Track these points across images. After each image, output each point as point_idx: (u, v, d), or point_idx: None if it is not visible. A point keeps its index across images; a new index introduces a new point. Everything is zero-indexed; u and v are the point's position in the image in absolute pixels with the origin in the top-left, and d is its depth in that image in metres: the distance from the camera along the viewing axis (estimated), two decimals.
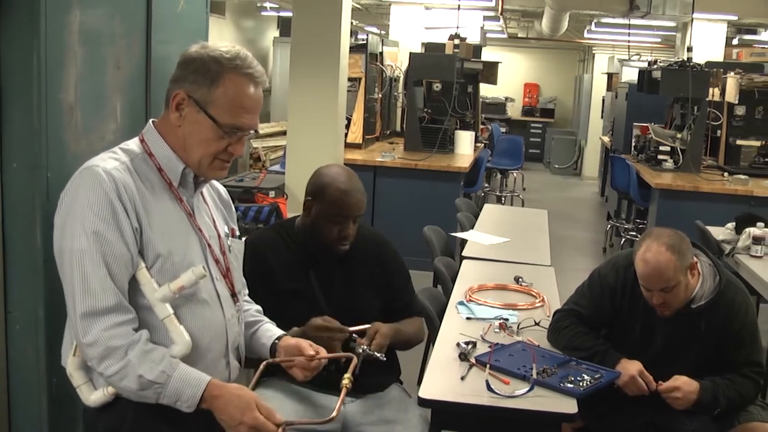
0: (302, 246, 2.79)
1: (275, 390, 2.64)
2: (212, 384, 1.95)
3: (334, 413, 2.07)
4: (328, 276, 2.79)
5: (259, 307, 2.43)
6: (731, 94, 8.00)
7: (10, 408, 2.32)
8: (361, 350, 2.54)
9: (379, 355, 2.58)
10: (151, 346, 1.92)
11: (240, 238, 2.30)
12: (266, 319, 2.39)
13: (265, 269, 2.71)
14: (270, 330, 2.34)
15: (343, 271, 2.81)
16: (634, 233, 8.72)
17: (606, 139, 12.37)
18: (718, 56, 10.33)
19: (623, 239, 8.86)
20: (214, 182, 2.25)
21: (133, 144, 2.03)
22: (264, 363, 2.23)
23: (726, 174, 7.67)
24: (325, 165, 2.85)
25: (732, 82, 8.00)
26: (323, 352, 2.27)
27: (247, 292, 2.39)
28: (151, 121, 2.08)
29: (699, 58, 8.60)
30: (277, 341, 2.29)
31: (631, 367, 2.85)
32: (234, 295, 2.17)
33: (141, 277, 1.93)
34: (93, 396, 1.98)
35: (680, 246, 2.81)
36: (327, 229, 2.72)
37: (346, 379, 2.21)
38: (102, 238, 1.86)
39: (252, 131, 2.04)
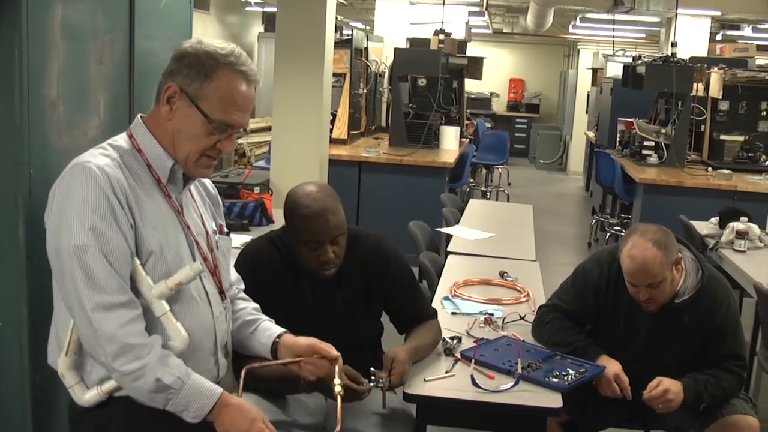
0: (300, 263, 2.68)
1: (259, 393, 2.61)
2: (223, 395, 1.97)
3: (337, 428, 2.10)
4: (326, 297, 2.71)
5: (256, 305, 2.39)
6: (715, 90, 8.03)
7: None
8: (381, 384, 2.47)
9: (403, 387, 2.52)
10: (167, 352, 1.92)
11: (228, 234, 2.28)
12: (264, 316, 2.36)
13: (261, 288, 2.59)
14: (270, 328, 2.30)
15: (341, 292, 2.73)
16: (618, 228, 8.76)
17: (591, 134, 12.40)
18: (702, 52, 10.37)
19: (608, 234, 8.89)
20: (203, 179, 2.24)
21: (122, 140, 2.01)
22: (275, 362, 2.24)
23: (710, 169, 7.71)
24: (298, 184, 2.68)
25: (716, 77, 8.03)
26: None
27: (243, 287, 2.37)
28: (139, 116, 2.06)
29: (683, 53, 8.63)
30: (277, 339, 2.26)
31: (609, 369, 2.86)
32: (222, 293, 2.16)
33: (137, 275, 1.92)
34: (87, 395, 1.96)
35: (666, 242, 2.83)
36: (304, 255, 2.62)
37: (338, 386, 2.21)
38: (101, 234, 1.84)
39: (242, 129, 2.03)
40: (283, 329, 2.31)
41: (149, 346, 1.87)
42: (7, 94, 2.17)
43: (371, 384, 2.46)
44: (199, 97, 1.94)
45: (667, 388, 2.82)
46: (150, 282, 1.92)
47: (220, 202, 2.32)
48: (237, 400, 2.00)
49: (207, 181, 2.27)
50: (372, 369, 2.50)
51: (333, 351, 2.22)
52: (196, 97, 1.94)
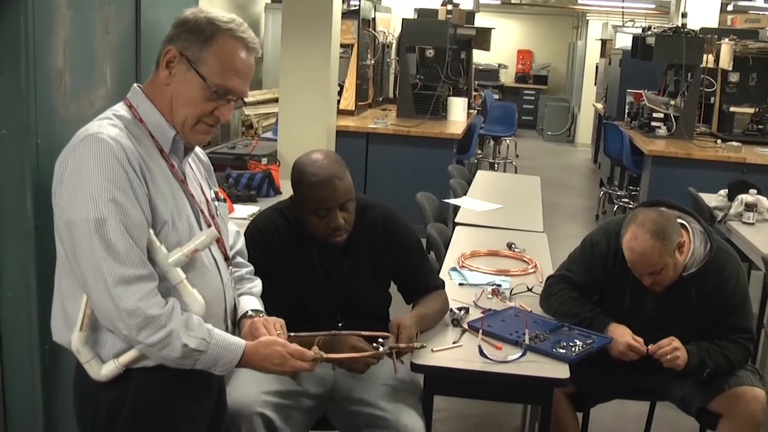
0: (309, 233, 2.68)
1: None
2: (247, 348, 2.00)
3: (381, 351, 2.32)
4: (334, 266, 2.72)
5: (250, 268, 2.38)
6: (725, 61, 7.98)
7: (3, 375, 2.32)
8: (388, 348, 2.46)
9: (416, 345, 2.52)
10: (187, 314, 1.92)
11: (224, 201, 2.28)
12: (252, 285, 2.33)
13: (270, 259, 2.62)
14: (241, 303, 2.26)
15: (349, 260, 2.73)
16: (626, 200, 8.73)
17: (599, 105, 12.34)
18: (713, 22, 10.28)
19: (616, 206, 8.87)
20: None
21: (122, 109, 1.98)
22: None
23: (719, 141, 7.68)
24: (304, 153, 2.68)
25: (726, 48, 7.98)
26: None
27: (238, 248, 2.37)
28: (136, 85, 2.03)
29: (693, 24, 8.56)
30: (243, 318, 2.22)
31: (620, 337, 2.87)
32: (227, 259, 2.16)
33: (151, 244, 1.91)
34: (104, 370, 1.94)
35: (665, 230, 2.81)
36: (314, 223, 2.62)
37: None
38: (120, 206, 1.82)
39: (241, 99, 2.01)
40: (252, 308, 2.25)
41: (169, 313, 1.87)
42: (13, 64, 2.16)
43: (380, 350, 2.46)
44: (199, 61, 1.93)
45: (678, 346, 2.84)
46: (164, 251, 1.92)
47: (212, 169, 2.31)
48: (261, 348, 2.03)
49: (197, 148, 2.25)
50: (380, 339, 2.50)
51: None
52: (195, 61, 1.93)
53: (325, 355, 2.13)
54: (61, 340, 2.00)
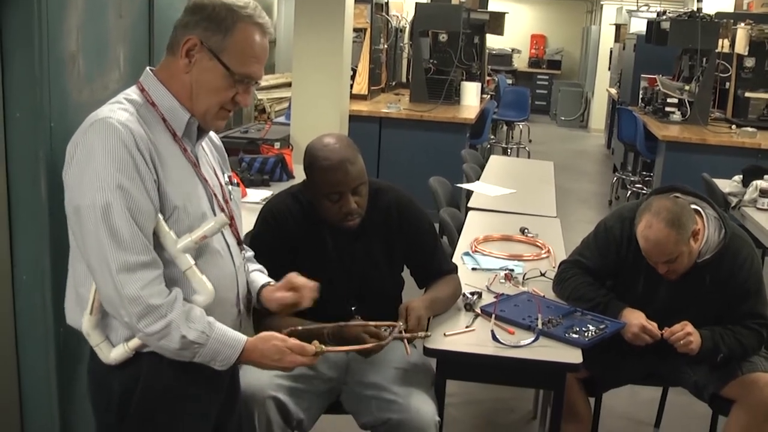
0: (321, 217, 2.68)
1: None
2: (247, 344, 1.99)
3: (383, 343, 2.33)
4: (347, 251, 2.72)
5: (251, 253, 2.39)
6: (741, 46, 7.91)
7: (18, 357, 2.34)
8: (398, 332, 2.46)
9: (420, 334, 2.50)
10: (189, 306, 1.92)
11: (237, 185, 2.28)
12: (256, 266, 2.35)
13: (283, 243, 2.63)
14: (254, 281, 2.29)
15: (362, 244, 2.73)
16: (640, 186, 8.70)
17: (613, 91, 12.28)
18: (729, 7, 10.20)
19: (629, 192, 8.84)
20: None
21: (134, 93, 1.98)
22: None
23: (734, 126, 7.63)
24: (317, 137, 2.67)
25: (742, 33, 7.91)
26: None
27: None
28: (148, 68, 2.03)
29: (709, 8, 8.49)
30: (260, 290, 2.26)
31: (634, 320, 2.86)
32: (240, 243, 2.16)
33: (160, 230, 1.91)
34: (113, 353, 1.96)
35: (680, 219, 2.79)
36: (327, 208, 2.61)
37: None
38: (126, 192, 1.82)
39: (257, 81, 2.03)
40: (268, 280, 2.30)
41: (171, 304, 1.87)
42: (27, 48, 2.16)
43: (389, 333, 2.45)
44: (221, 50, 1.93)
45: (691, 331, 2.83)
46: (173, 236, 1.91)
47: (225, 153, 2.31)
48: (260, 344, 2.02)
49: (211, 132, 2.25)
50: (384, 328, 2.49)
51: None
52: (217, 50, 1.93)
53: (325, 349, 2.11)
54: (74, 323, 2.01)
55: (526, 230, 3.91)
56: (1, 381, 2.32)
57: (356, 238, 2.71)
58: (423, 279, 2.88)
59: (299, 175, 4.32)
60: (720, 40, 7.73)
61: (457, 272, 2.93)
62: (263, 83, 7.09)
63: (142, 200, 1.85)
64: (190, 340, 1.89)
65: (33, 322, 2.30)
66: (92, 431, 2.11)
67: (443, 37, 8.70)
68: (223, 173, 2.21)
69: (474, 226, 4.03)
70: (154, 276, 1.87)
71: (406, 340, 2.48)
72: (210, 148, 2.21)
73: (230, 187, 2.20)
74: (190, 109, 1.98)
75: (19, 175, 2.23)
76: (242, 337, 2.00)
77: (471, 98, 8.61)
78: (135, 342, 1.94)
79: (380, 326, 2.47)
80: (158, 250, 1.90)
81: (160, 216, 1.90)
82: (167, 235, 1.91)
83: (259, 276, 2.31)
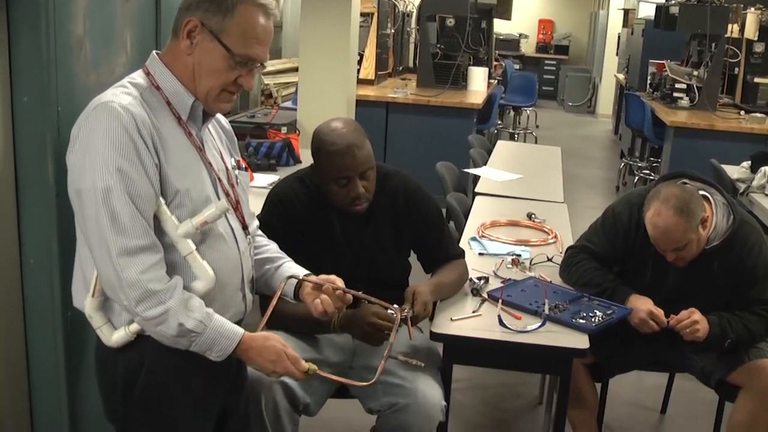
0: (329, 201, 2.68)
1: (288, 332, 2.63)
2: (245, 337, 1.98)
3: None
4: (355, 235, 2.72)
5: (276, 246, 2.39)
6: (750, 31, 7.87)
7: (27, 341, 2.35)
8: (403, 315, 2.44)
9: (414, 362, 2.45)
10: (188, 294, 1.92)
11: (245, 169, 2.27)
12: (287, 258, 2.35)
13: (290, 227, 2.63)
14: (292, 268, 2.30)
15: (370, 229, 2.73)
16: (647, 171, 8.67)
17: (621, 76, 12.23)
18: None
19: (636, 177, 8.81)
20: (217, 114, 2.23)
21: (139, 77, 1.98)
22: (283, 282, 2.22)
23: (742, 112, 7.60)
24: (324, 122, 2.67)
25: (752, 18, 7.86)
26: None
27: (257, 224, 2.37)
28: (154, 52, 2.03)
29: None
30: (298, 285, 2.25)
31: (641, 306, 2.86)
32: (245, 228, 2.16)
33: (161, 215, 1.91)
34: (115, 336, 1.97)
35: (688, 206, 2.78)
36: (334, 192, 2.61)
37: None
38: (126, 175, 1.82)
39: (261, 64, 2.01)
40: (306, 270, 2.29)
41: (170, 290, 1.87)
42: (34, 32, 2.16)
43: (394, 316, 2.43)
44: (221, 32, 1.92)
45: (698, 319, 2.83)
46: (175, 221, 1.92)
47: (235, 137, 2.31)
48: (259, 341, 2.01)
49: (221, 117, 2.25)
50: (390, 311, 2.47)
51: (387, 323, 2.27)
52: (218, 31, 1.92)
53: (318, 371, 2.09)
54: (80, 306, 2.02)
55: (533, 215, 3.90)
56: (9, 366, 2.33)
57: (364, 222, 2.71)
58: (430, 264, 2.88)
59: (306, 159, 4.33)
60: (729, 25, 7.69)
61: (463, 257, 2.92)
62: (270, 68, 7.08)
63: (142, 184, 1.85)
64: (188, 328, 1.89)
65: (41, 306, 2.31)
66: (100, 415, 2.12)
67: (450, 21, 8.66)
68: (231, 157, 2.21)
69: (481, 212, 4.03)
70: (155, 261, 1.87)
71: (409, 325, 2.48)
72: (219, 132, 2.21)
73: (237, 171, 2.19)
74: (194, 91, 1.98)
75: (27, 160, 2.24)
76: (240, 330, 1.99)
77: (478, 83, 8.58)
78: (136, 326, 1.95)
79: (386, 307, 2.47)
80: (160, 234, 1.91)
81: (162, 200, 1.90)
82: (169, 219, 1.91)
83: (295, 267, 2.31)
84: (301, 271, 2.28)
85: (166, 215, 1.91)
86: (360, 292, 2.23)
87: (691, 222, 2.78)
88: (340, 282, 2.21)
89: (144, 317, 1.87)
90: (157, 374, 1.99)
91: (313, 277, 2.24)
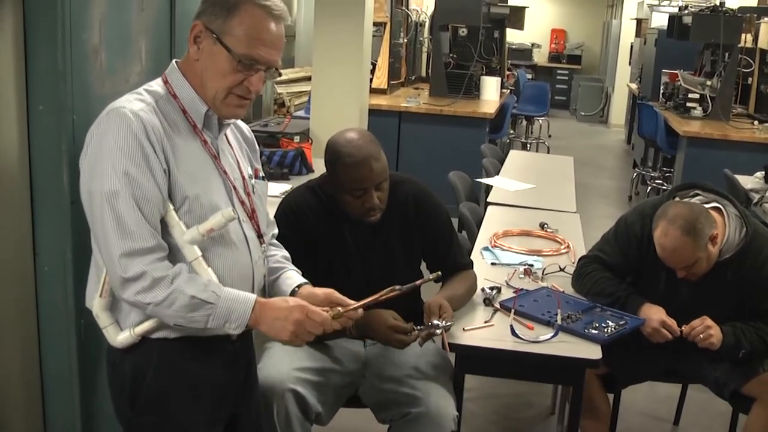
0: (341, 210, 2.68)
1: None
2: (258, 298, 1.97)
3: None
4: (366, 244, 2.72)
5: (286, 254, 2.38)
6: (764, 41, 7.86)
7: (40, 349, 2.36)
8: (439, 331, 2.50)
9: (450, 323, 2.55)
10: (194, 274, 1.92)
11: (264, 179, 2.28)
12: (291, 265, 2.35)
13: (302, 236, 2.63)
14: (291, 278, 2.29)
15: (381, 238, 2.73)
16: (660, 181, 8.65)
17: (633, 86, 12.21)
18: (752, 1, 10.12)
19: (649, 187, 8.79)
20: (238, 122, 2.23)
21: (157, 85, 2.00)
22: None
23: (756, 122, 7.57)
24: (339, 131, 2.67)
25: (765, 28, 7.86)
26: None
27: (276, 232, 2.37)
28: (174, 61, 2.05)
29: (732, 2, 8.42)
30: (297, 289, 2.23)
31: (654, 316, 2.85)
32: (260, 237, 2.16)
33: (169, 220, 1.92)
34: (119, 337, 1.98)
35: (695, 225, 2.77)
36: (349, 203, 2.61)
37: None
38: (133, 179, 1.84)
39: (272, 68, 1.99)
40: (304, 280, 2.28)
41: (176, 273, 1.88)
42: (50, 40, 2.18)
43: (424, 330, 2.50)
44: (223, 33, 1.92)
45: (711, 325, 2.82)
46: (182, 227, 1.92)
47: (257, 146, 2.31)
48: (278, 302, 2.00)
49: (243, 126, 2.26)
50: (421, 325, 2.52)
51: (349, 301, 2.16)
52: (219, 33, 1.92)
53: (343, 311, 2.06)
54: (91, 305, 2.03)
55: (545, 225, 3.90)
56: (23, 372, 2.34)
57: (375, 231, 2.71)
58: (438, 271, 2.86)
59: (319, 168, 4.33)
60: (743, 35, 7.68)
61: (472, 267, 2.92)
62: (283, 77, 7.10)
63: (149, 188, 1.86)
64: (201, 299, 1.88)
65: (55, 313, 2.33)
66: (113, 421, 2.12)
67: (463, 31, 8.68)
68: (250, 166, 2.21)
69: (493, 221, 4.02)
70: (159, 257, 1.88)
71: (444, 336, 2.51)
72: (238, 141, 2.21)
73: (254, 180, 2.19)
74: (203, 97, 1.99)
75: (42, 168, 2.25)
76: (252, 294, 1.98)
77: (491, 93, 8.59)
78: (141, 328, 1.96)
79: (414, 327, 2.52)
80: (168, 239, 1.92)
81: (171, 206, 1.91)
82: (177, 225, 1.92)
83: (296, 275, 2.30)
84: (297, 281, 2.26)
85: (174, 220, 1.92)
86: (366, 300, 2.19)
87: (699, 242, 2.77)
88: (339, 296, 2.17)
89: (155, 303, 1.86)
90: (163, 377, 1.99)
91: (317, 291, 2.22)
